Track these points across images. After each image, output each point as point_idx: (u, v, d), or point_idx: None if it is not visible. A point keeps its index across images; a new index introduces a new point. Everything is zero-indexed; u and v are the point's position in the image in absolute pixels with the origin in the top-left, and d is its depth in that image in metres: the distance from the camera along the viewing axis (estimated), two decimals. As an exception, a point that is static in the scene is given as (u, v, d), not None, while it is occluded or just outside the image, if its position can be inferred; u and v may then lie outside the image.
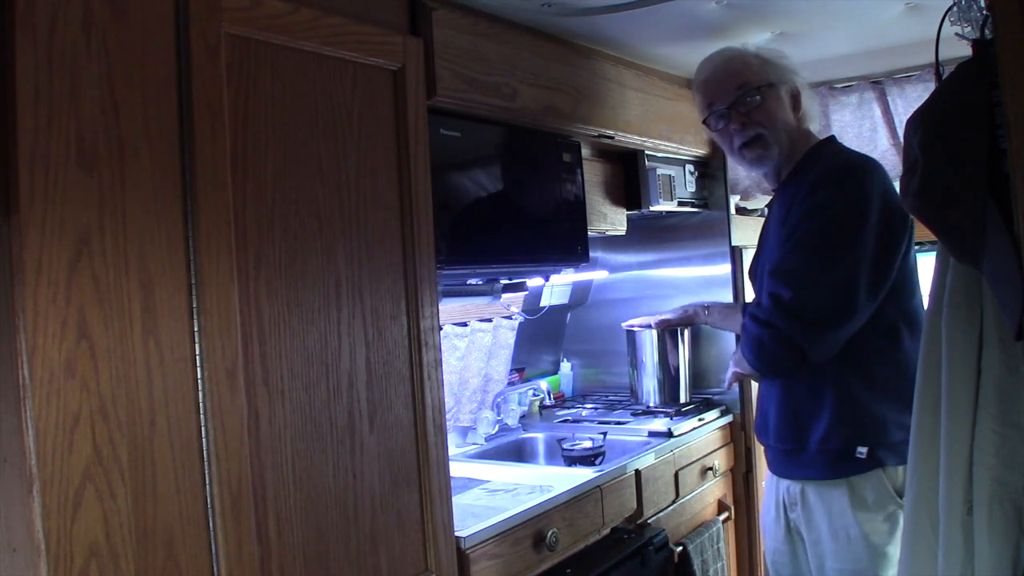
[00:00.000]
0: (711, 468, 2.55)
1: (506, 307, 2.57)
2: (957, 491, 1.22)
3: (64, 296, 1.03)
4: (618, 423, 2.55)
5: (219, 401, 1.19)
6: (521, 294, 2.54)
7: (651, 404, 2.70)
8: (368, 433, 1.45)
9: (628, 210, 2.54)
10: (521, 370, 2.84)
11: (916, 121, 1.22)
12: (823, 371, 1.81)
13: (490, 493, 1.94)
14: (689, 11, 2.05)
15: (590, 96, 2.19)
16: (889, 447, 1.75)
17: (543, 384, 2.82)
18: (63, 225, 1.03)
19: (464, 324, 2.45)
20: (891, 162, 2.43)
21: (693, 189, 2.70)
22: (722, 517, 2.56)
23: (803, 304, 1.75)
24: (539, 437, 2.59)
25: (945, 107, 1.20)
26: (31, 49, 1.01)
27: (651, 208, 2.51)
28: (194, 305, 1.17)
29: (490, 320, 2.55)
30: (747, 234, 2.75)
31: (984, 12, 1.20)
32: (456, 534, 1.62)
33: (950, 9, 1.27)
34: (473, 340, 2.49)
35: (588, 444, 2.27)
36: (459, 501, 1.76)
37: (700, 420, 2.57)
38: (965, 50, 1.22)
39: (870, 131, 2.63)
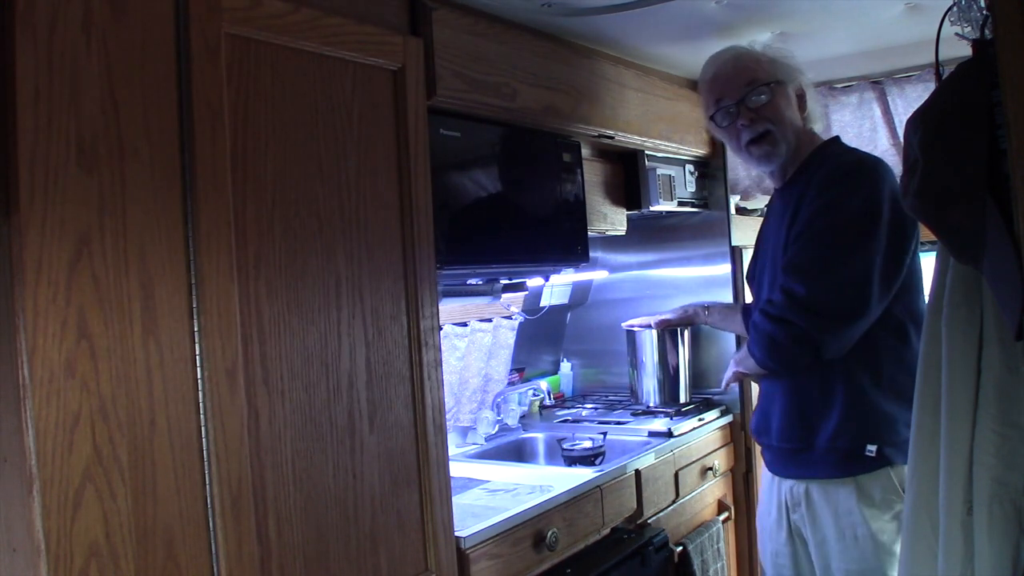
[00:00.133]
0: (711, 468, 2.55)
1: (506, 307, 2.57)
2: (957, 491, 1.22)
3: (64, 296, 1.03)
4: (618, 423, 2.55)
5: (219, 401, 1.19)
6: (521, 294, 2.54)
7: (651, 404, 2.70)
8: (368, 433, 1.45)
9: (628, 210, 2.54)
10: (521, 370, 2.84)
11: (916, 121, 1.22)
12: (832, 369, 1.81)
13: (490, 493, 1.94)
14: (689, 11, 2.05)
15: (590, 96, 2.19)
16: (897, 445, 1.74)
17: (543, 384, 2.82)
18: (63, 225, 1.03)
19: (464, 324, 2.46)
20: (891, 162, 2.41)
21: (693, 189, 2.70)
22: (722, 517, 2.56)
23: (817, 299, 1.75)
24: (539, 437, 2.59)
25: (945, 107, 1.20)
26: (31, 49, 1.01)
27: (651, 208, 2.51)
28: (194, 305, 1.17)
29: (490, 320, 2.55)
30: (747, 234, 2.75)
31: (984, 12, 1.20)
32: (456, 534, 1.62)
33: (950, 9, 1.27)
34: (473, 340, 2.49)
35: (588, 444, 2.27)
36: (459, 501, 1.76)
37: (700, 420, 2.57)
38: (965, 50, 1.22)
39: (870, 131, 2.63)
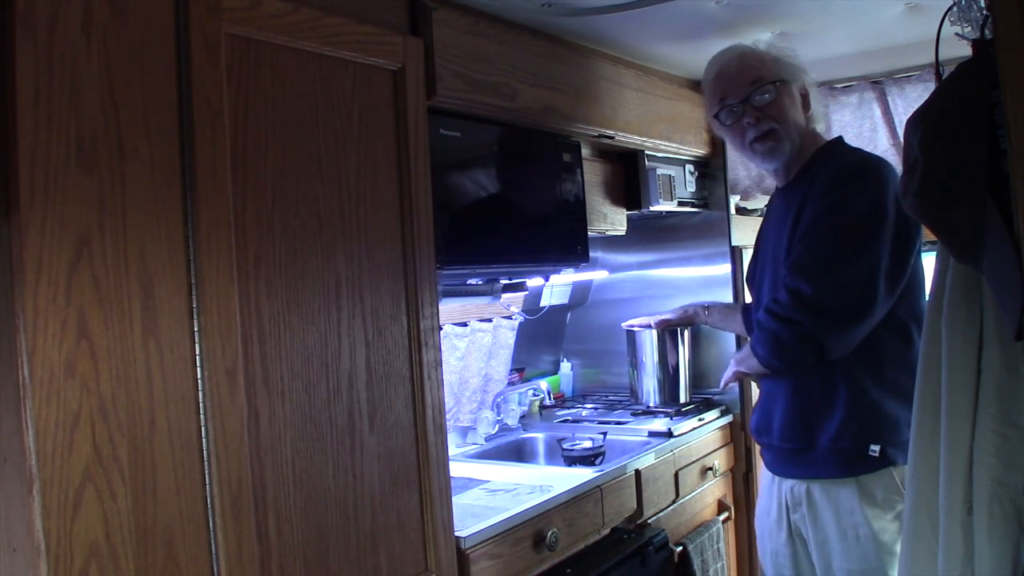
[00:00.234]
0: (711, 468, 2.55)
1: (506, 307, 2.57)
2: (957, 491, 1.22)
3: (64, 296, 1.03)
4: (618, 423, 2.55)
5: (219, 401, 1.19)
6: (521, 294, 2.54)
7: (651, 404, 2.70)
8: (368, 433, 1.45)
9: (628, 210, 2.54)
10: (521, 370, 2.84)
11: (916, 121, 1.22)
12: (835, 369, 1.81)
13: (490, 493, 1.94)
14: (689, 11, 2.05)
15: (590, 96, 2.19)
16: (900, 446, 1.74)
17: (543, 384, 2.82)
18: (63, 225, 1.03)
19: (464, 324, 2.46)
20: (891, 162, 2.43)
21: (693, 189, 2.70)
22: (722, 517, 2.56)
23: (823, 299, 1.75)
24: (539, 437, 2.59)
25: (945, 107, 1.20)
26: (31, 49, 1.01)
27: (651, 208, 2.51)
28: (194, 305, 1.17)
29: (490, 320, 2.55)
30: (747, 234, 2.74)
31: (984, 12, 1.20)
32: (456, 534, 1.62)
33: (950, 9, 1.27)
34: (473, 340, 2.49)
35: (588, 444, 2.27)
36: (459, 501, 1.76)
37: (700, 420, 2.57)
38: (965, 50, 1.22)
39: (870, 131, 2.63)
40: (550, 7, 1.91)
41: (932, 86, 1.60)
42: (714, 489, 2.60)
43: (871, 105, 2.63)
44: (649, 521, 2.22)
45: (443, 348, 1.84)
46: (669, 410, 2.62)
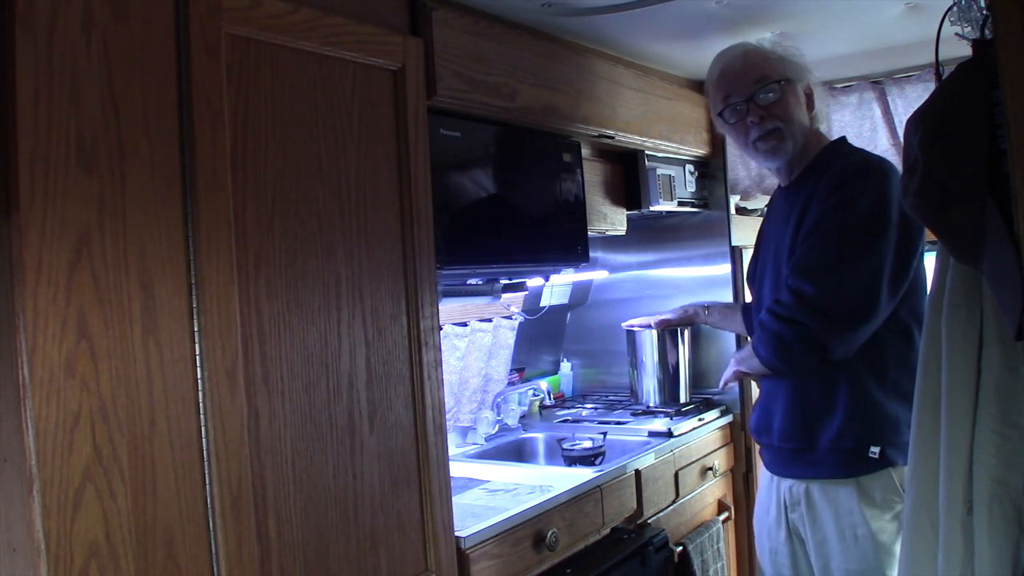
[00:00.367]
0: (711, 468, 2.55)
1: (506, 307, 2.57)
2: (957, 491, 1.22)
3: (64, 296, 1.03)
4: (618, 423, 2.55)
5: (219, 401, 1.19)
6: (521, 294, 2.54)
7: (651, 404, 2.70)
8: (368, 433, 1.45)
9: (628, 210, 2.54)
10: (521, 370, 2.84)
11: (916, 121, 1.22)
12: (837, 370, 1.81)
13: (490, 493, 1.94)
14: (689, 11, 2.05)
15: (590, 96, 2.19)
16: (900, 447, 1.74)
17: (543, 384, 2.82)
18: (63, 225, 1.03)
19: (464, 324, 2.46)
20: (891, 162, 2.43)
21: (693, 189, 2.70)
22: (722, 517, 2.56)
23: (827, 300, 1.74)
24: (539, 437, 2.59)
25: (945, 107, 1.20)
26: (31, 49, 1.01)
27: (651, 208, 2.51)
28: (194, 305, 1.17)
29: (490, 320, 2.55)
30: (747, 234, 2.75)
31: (984, 12, 1.20)
32: (456, 534, 1.62)
33: (950, 9, 1.27)
34: (473, 340, 2.49)
35: (588, 444, 2.27)
36: (459, 501, 1.76)
37: (700, 420, 2.57)
38: (965, 50, 1.22)
39: (870, 131, 2.63)
40: (550, 7, 1.91)
41: (932, 86, 1.60)
42: (714, 489, 2.60)
43: (871, 105, 2.63)
44: (649, 521, 2.22)
45: (443, 348, 1.84)
46: (669, 410, 2.62)
